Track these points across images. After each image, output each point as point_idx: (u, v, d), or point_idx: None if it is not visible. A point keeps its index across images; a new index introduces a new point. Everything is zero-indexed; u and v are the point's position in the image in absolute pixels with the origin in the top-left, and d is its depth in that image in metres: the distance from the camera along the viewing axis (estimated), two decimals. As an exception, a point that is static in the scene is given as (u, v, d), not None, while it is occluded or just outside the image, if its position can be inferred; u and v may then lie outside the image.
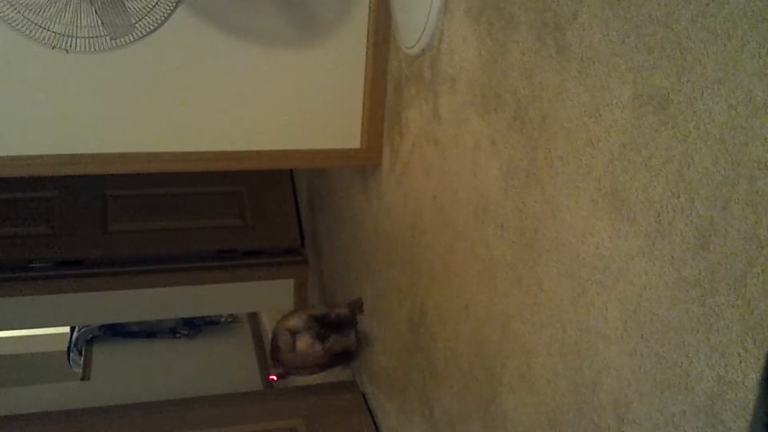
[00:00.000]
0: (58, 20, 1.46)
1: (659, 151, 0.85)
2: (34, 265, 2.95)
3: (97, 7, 1.45)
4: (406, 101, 1.77)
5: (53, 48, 1.49)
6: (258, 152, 1.90)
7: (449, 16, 1.47)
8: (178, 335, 4.02)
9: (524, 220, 1.19)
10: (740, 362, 0.74)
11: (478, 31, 1.33)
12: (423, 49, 1.61)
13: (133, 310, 3.07)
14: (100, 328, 3.92)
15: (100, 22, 1.47)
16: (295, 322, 2.27)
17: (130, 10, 1.47)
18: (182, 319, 3.99)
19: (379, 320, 2.14)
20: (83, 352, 3.88)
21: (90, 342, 3.92)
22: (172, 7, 1.52)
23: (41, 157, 1.74)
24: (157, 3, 1.50)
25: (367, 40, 1.86)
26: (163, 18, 1.52)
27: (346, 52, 1.86)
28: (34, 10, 1.43)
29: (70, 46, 1.48)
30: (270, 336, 2.44)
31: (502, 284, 1.29)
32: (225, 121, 1.84)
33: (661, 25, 0.84)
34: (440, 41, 1.52)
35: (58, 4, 1.43)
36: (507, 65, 1.23)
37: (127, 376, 3.66)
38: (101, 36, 1.49)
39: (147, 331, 3.99)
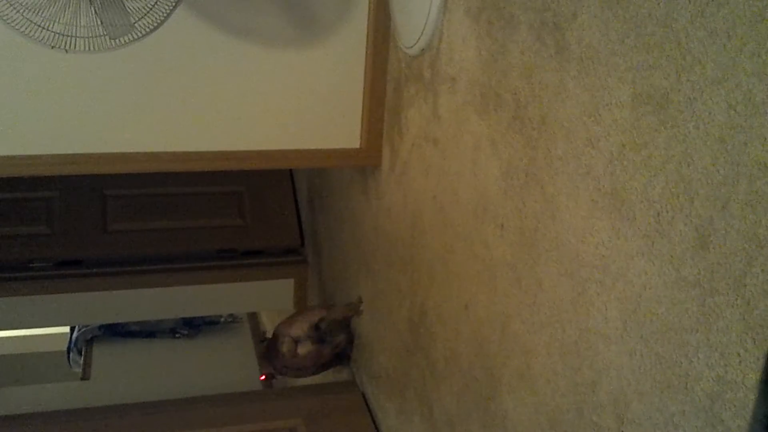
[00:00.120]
0: (57, 20, 1.46)
1: (659, 151, 0.85)
2: (33, 264, 2.95)
3: (96, 7, 1.45)
4: (405, 101, 1.77)
5: (52, 48, 1.49)
6: (258, 152, 1.90)
7: (449, 16, 1.47)
8: (177, 335, 4.01)
9: (524, 220, 1.19)
10: (740, 362, 0.74)
11: (478, 30, 1.33)
12: (422, 49, 1.61)
13: (132, 310, 3.07)
14: (100, 327, 3.92)
15: (99, 22, 1.47)
16: (296, 330, 2.35)
17: (129, 10, 1.47)
18: (182, 319, 3.99)
19: (379, 320, 2.14)
20: (83, 352, 3.88)
21: (90, 342, 3.92)
22: (171, 7, 1.52)
23: (41, 156, 1.74)
24: (156, 3, 1.50)
25: (367, 40, 1.86)
26: (162, 18, 1.52)
27: (345, 52, 1.86)
28: (33, 9, 1.43)
29: (70, 45, 1.48)
30: (269, 337, 2.47)
31: (501, 284, 1.29)
32: (225, 120, 1.84)
33: (660, 24, 0.84)
34: (440, 41, 1.52)
35: (57, 3, 1.43)
36: (507, 65, 1.23)
37: (126, 375, 3.66)
38: (101, 36, 1.49)
39: (147, 331, 3.98)
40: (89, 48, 1.50)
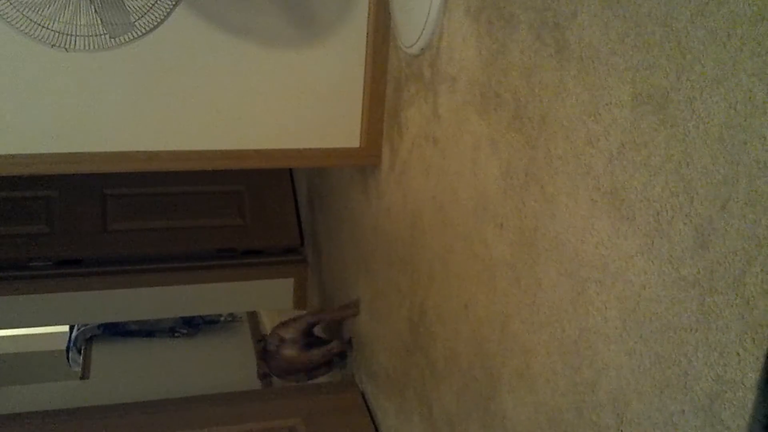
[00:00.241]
0: (57, 19, 1.46)
1: (658, 151, 0.85)
2: (33, 263, 2.95)
3: (96, 6, 1.45)
4: (405, 100, 1.77)
5: (52, 46, 1.49)
6: (257, 151, 1.90)
7: (449, 15, 1.47)
8: (177, 334, 4.02)
9: (523, 220, 1.19)
10: (739, 361, 0.74)
11: (478, 30, 1.33)
12: (422, 49, 1.61)
13: (132, 309, 3.07)
14: (100, 327, 3.92)
15: (99, 21, 1.47)
16: (286, 332, 2.39)
17: (129, 9, 1.47)
18: (181, 318, 3.99)
19: (378, 320, 2.14)
20: (82, 351, 3.88)
21: (89, 341, 3.92)
22: (171, 6, 1.52)
23: (40, 155, 1.74)
24: (156, 2, 1.50)
25: (367, 40, 1.86)
26: (162, 16, 1.52)
27: (345, 52, 1.86)
28: (33, 8, 1.43)
29: (70, 44, 1.48)
30: (266, 335, 2.50)
31: (501, 284, 1.29)
32: (224, 119, 1.84)
33: (660, 24, 0.84)
34: (440, 40, 1.52)
35: (57, 2, 1.43)
36: (506, 64, 1.23)
37: (126, 375, 3.66)
38: (100, 34, 1.49)
39: (146, 330, 3.98)
40: (89, 47, 1.49)
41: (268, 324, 4.01)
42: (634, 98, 0.89)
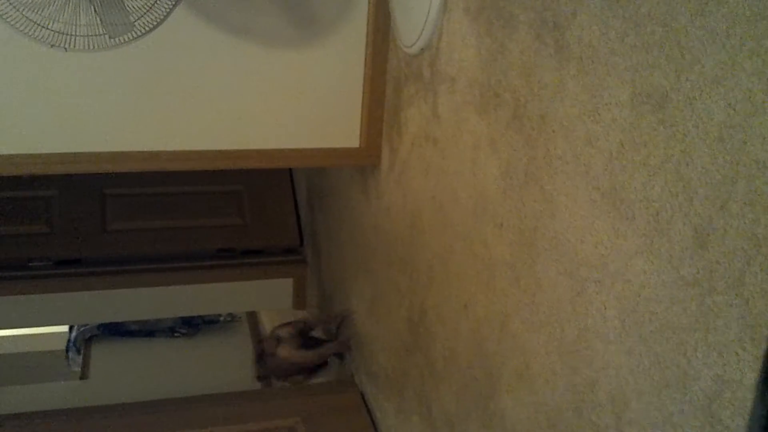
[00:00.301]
0: (56, 18, 1.45)
1: (658, 150, 0.85)
2: (33, 263, 2.95)
3: (96, 6, 1.44)
4: (405, 100, 1.77)
5: (52, 46, 1.49)
6: (257, 151, 1.90)
7: (448, 15, 1.47)
8: (176, 334, 4.02)
9: (523, 220, 1.19)
10: (738, 361, 0.74)
11: (478, 30, 1.33)
12: (422, 49, 1.61)
13: (131, 309, 3.07)
14: (99, 327, 3.93)
15: (99, 21, 1.47)
16: (282, 332, 2.41)
17: (129, 9, 1.47)
18: (181, 318, 3.99)
19: (378, 319, 2.14)
20: (82, 351, 3.88)
21: (89, 341, 3.93)
22: (171, 6, 1.51)
23: (40, 155, 1.74)
24: (156, 1, 1.49)
25: (367, 40, 1.86)
26: (162, 16, 1.52)
27: (345, 52, 1.86)
28: (32, 8, 1.43)
29: (69, 44, 1.48)
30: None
31: (500, 284, 1.29)
32: (224, 119, 1.84)
33: (659, 24, 0.84)
34: (439, 40, 1.52)
35: (57, 2, 1.43)
36: (506, 64, 1.23)
37: (125, 375, 3.66)
38: (100, 34, 1.49)
39: (146, 330, 3.99)
40: (89, 47, 1.49)
41: (267, 324, 4.01)
42: (633, 98, 0.89)
